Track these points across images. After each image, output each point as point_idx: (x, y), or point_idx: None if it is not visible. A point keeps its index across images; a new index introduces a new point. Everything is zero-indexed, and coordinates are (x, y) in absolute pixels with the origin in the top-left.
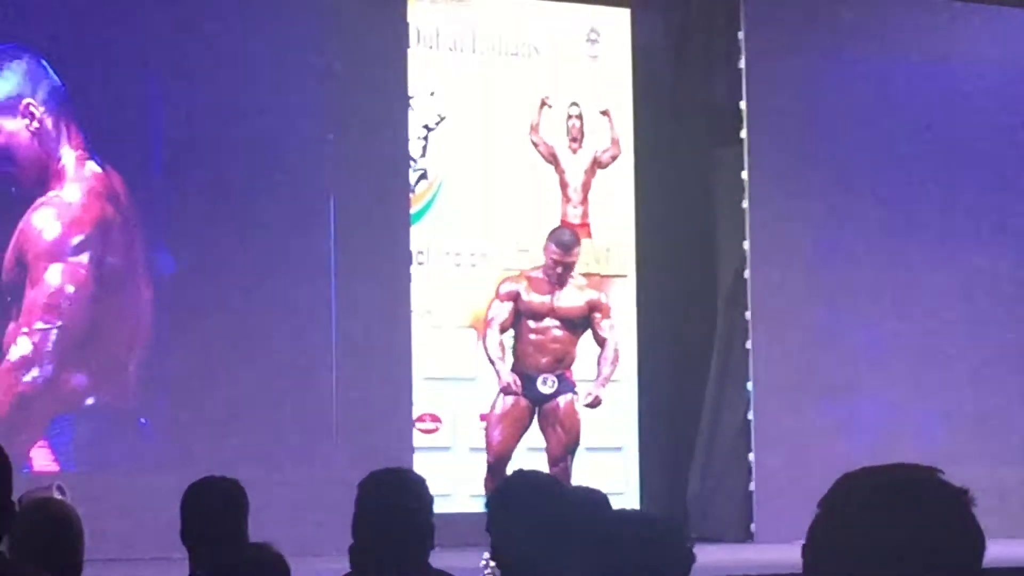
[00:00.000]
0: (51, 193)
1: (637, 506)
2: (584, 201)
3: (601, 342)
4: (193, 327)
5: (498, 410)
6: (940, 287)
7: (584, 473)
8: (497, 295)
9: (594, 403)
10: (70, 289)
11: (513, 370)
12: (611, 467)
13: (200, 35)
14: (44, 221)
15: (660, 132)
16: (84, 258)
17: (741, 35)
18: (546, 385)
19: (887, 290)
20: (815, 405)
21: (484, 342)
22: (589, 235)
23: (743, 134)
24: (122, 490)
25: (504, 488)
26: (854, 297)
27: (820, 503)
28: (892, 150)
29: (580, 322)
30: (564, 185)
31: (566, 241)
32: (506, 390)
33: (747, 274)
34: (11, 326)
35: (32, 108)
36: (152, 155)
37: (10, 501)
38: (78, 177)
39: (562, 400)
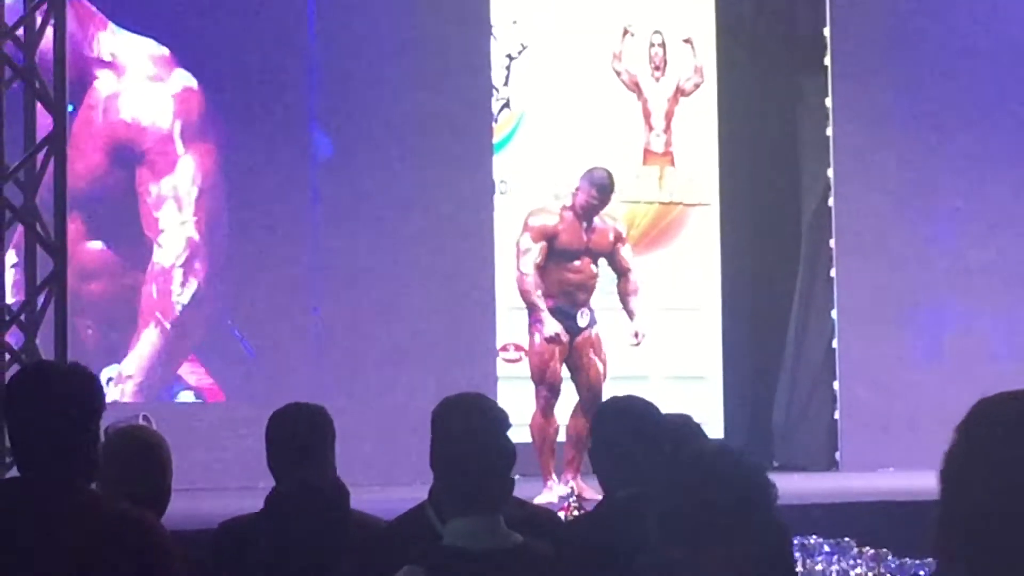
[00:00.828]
0: (107, 79)
1: (720, 435)
2: (667, 130)
3: (623, 272)
4: (271, 258)
5: (540, 343)
6: None
7: (668, 402)
8: (528, 228)
9: (640, 341)
10: (199, 179)
11: (552, 305)
12: (695, 396)
13: None
14: (143, 108)
15: (743, 60)
16: (210, 143)
17: None
18: (583, 318)
19: (973, 217)
20: (900, 333)
21: (523, 284)
22: (672, 163)
23: (826, 61)
24: (212, 419)
25: (613, 408)
26: (939, 224)
27: (957, 428)
28: (976, 74)
29: (605, 254)
30: (647, 114)
31: (607, 186)
32: (553, 340)
33: (831, 202)
34: (145, 228)
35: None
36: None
37: (96, 441)
38: (141, 55)
39: (593, 331)
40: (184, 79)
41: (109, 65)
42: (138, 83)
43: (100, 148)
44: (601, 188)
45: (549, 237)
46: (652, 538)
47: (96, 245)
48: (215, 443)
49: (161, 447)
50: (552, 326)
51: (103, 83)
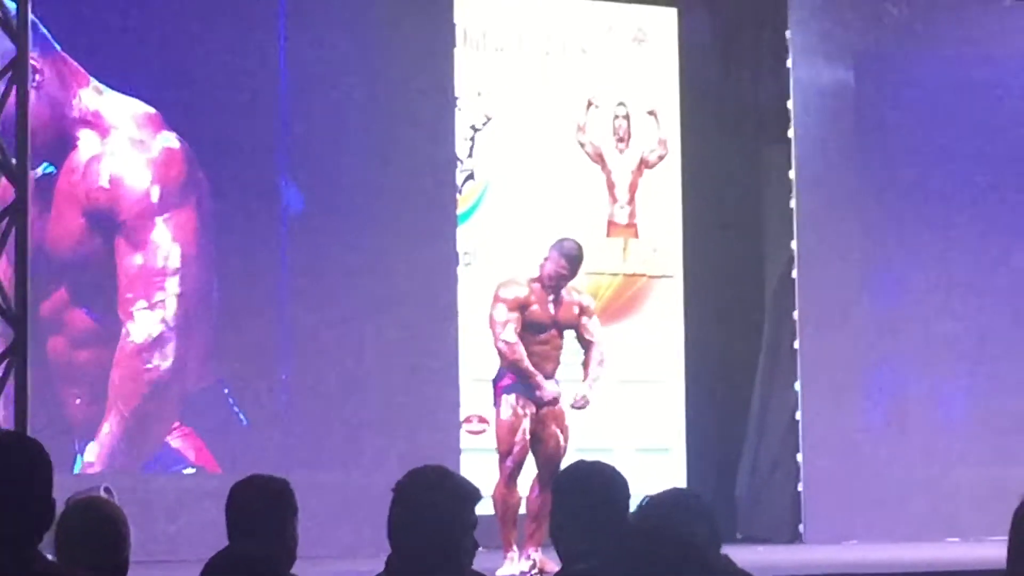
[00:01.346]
0: (90, 140)
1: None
2: (631, 201)
3: (588, 345)
4: (235, 328)
5: (509, 415)
6: (989, 285)
7: (632, 475)
8: (502, 300)
9: (584, 405)
10: (179, 251)
11: (515, 380)
12: (658, 468)
13: (239, 38)
14: (123, 175)
15: (707, 132)
16: (190, 209)
17: (788, 34)
18: (550, 390)
19: (936, 289)
20: (864, 405)
21: (512, 354)
22: (636, 235)
23: (790, 133)
24: (170, 491)
25: (577, 472)
26: (903, 297)
27: None
28: (940, 147)
29: (571, 326)
30: (611, 185)
31: (577, 257)
32: (554, 402)
33: (795, 274)
34: (120, 301)
35: (31, 60)
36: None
37: (51, 498)
38: (125, 115)
39: (558, 403)
40: (167, 141)
41: (92, 125)
42: (120, 146)
43: (79, 214)
44: (571, 259)
45: (522, 307)
46: None
47: (81, 313)
48: (178, 513)
49: (119, 519)
50: (552, 388)
51: (85, 144)
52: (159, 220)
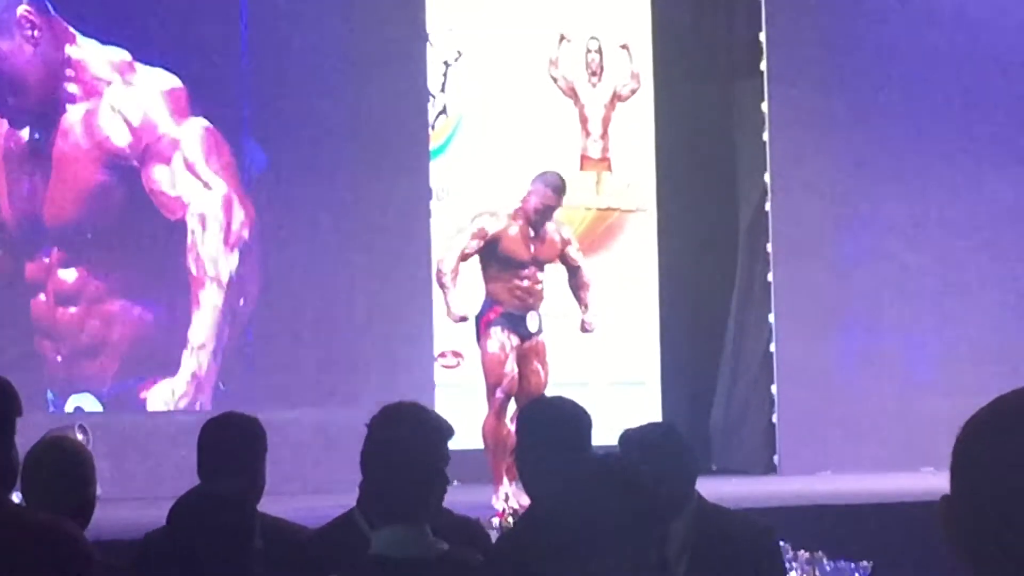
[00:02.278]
0: (82, 99)
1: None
2: (604, 135)
3: (574, 269)
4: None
5: (497, 348)
6: (962, 218)
7: (608, 408)
8: (468, 230)
9: (593, 328)
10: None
11: (502, 311)
12: (634, 401)
13: None
14: (130, 112)
15: (679, 65)
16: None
17: None
18: (532, 322)
19: (908, 221)
20: (837, 336)
21: (440, 266)
22: (609, 169)
23: (763, 66)
24: (145, 429)
25: (537, 409)
26: (875, 228)
27: (971, 417)
28: (913, 79)
29: (551, 261)
30: (584, 119)
31: (561, 187)
32: (457, 321)
33: (768, 206)
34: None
35: (29, 16)
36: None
37: (11, 455)
38: (108, 63)
39: (540, 338)
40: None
41: (80, 82)
42: (114, 91)
43: (91, 166)
44: (557, 189)
45: (492, 240)
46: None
47: (72, 273)
48: (152, 452)
49: (84, 458)
50: (459, 307)
51: (79, 104)
52: (176, 129)
